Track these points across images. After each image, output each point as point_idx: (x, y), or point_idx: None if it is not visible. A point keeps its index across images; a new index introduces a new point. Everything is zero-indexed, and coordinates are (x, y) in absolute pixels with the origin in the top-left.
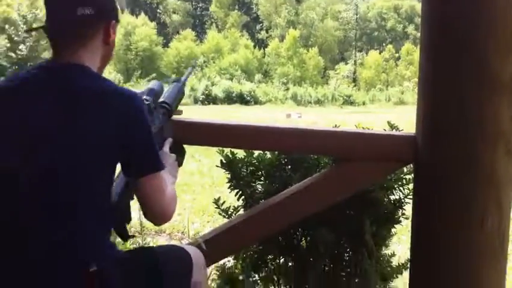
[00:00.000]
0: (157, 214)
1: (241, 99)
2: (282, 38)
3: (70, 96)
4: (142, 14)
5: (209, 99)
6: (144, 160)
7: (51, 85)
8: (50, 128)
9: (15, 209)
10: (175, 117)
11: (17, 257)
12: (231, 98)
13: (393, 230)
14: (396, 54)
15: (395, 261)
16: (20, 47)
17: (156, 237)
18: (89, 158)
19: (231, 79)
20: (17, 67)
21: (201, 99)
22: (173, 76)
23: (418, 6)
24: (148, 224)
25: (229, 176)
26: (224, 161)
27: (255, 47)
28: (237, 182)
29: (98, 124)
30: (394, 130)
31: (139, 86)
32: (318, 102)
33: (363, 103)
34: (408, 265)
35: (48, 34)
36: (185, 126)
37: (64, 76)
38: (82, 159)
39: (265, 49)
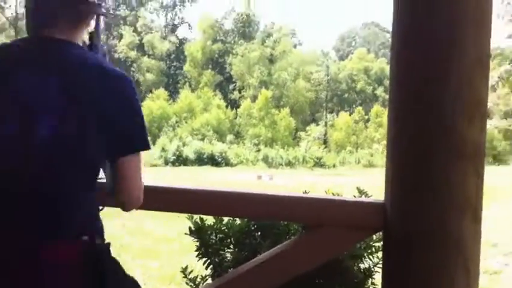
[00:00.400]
0: (134, 198)
1: (212, 161)
2: (254, 98)
3: (62, 67)
4: None
5: (180, 160)
6: (131, 137)
7: (42, 56)
8: (44, 98)
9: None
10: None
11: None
12: (202, 160)
13: None
14: (366, 116)
15: None
16: None
17: None
18: (82, 127)
19: (203, 139)
20: None
21: (171, 160)
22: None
23: (388, 69)
24: None
25: (197, 243)
26: (193, 228)
27: (227, 107)
28: (205, 250)
29: (90, 95)
30: (363, 196)
31: None
32: (289, 164)
33: (334, 165)
34: None
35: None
36: (152, 192)
37: (54, 48)
38: (76, 128)
39: (238, 109)
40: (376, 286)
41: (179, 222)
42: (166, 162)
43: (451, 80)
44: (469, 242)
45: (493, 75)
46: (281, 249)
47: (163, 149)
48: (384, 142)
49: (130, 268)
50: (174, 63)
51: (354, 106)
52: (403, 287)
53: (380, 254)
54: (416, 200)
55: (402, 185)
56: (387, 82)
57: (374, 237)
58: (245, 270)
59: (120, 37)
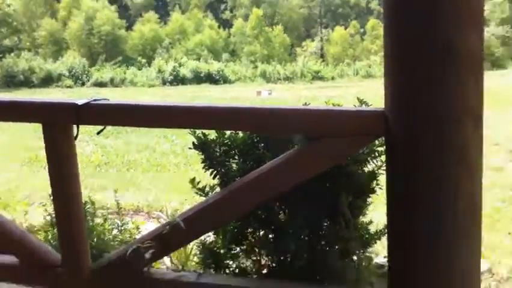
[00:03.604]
0: None
1: (210, 79)
2: (246, 18)
3: None
4: None
5: (177, 79)
6: None
7: None
8: None
9: None
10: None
11: None
12: (200, 78)
13: (369, 199)
14: (362, 30)
15: (373, 228)
16: None
17: (134, 217)
18: None
19: (198, 59)
20: None
21: (169, 80)
22: (139, 58)
23: None
24: (125, 204)
25: (202, 156)
26: (196, 143)
27: (219, 27)
28: (210, 162)
29: None
30: (364, 105)
31: (105, 70)
32: (288, 79)
33: (332, 78)
34: (386, 230)
35: None
36: (154, 110)
37: None
38: None
39: (230, 29)
40: (381, 186)
41: (182, 139)
42: (164, 83)
43: None
44: (471, 149)
45: None
46: (286, 157)
47: (159, 70)
48: (382, 53)
49: (142, 180)
50: None
51: (349, 20)
52: (406, 190)
53: (383, 158)
54: (416, 108)
55: (401, 95)
56: None
57: (376, 142)
58: (251, 179)
59: None
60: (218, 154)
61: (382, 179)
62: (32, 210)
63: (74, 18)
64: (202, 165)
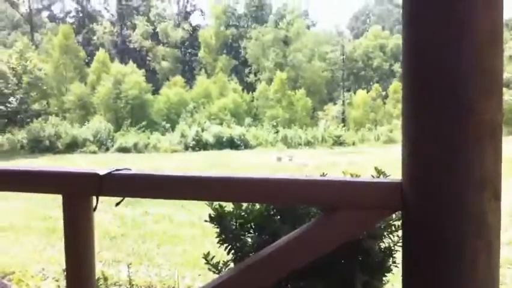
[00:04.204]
0: None
1: (232, 144)
2: (270, 81)
3: None
4: (131, 62)
5: (200, 145)
6: None
7: None
8: None
9: None
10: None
11: None
12: (221, 143)
13: (385, 278)
14: (384, 93)
15: None
16: (9, 100)
17: None
18: None
19: (221, 124)
20: (6, 120)
21: (191, 145)
22: (163, 123)
23: None
24: (138, 280)
25: (218, 230)
26: (212, 215)
27: (243, 90)
28: (226, 235)
29: None
30: (381, 176)
31: (130, 134)
32: (308, 143)
33: (353, 143)
34: None
35: None
36: (173, 181)
37: None
38: None
39: (254, 92)
40: (397, 265)
41: (200, 209)
42: (186, 148)
43: (464, 59)
44: (489, 219)
45: (511, 46)
46: (301, 232)
47: (182, 135)
48: None
49: (157, 253)
50: (189, 50)
51: (371, 83)
52: (424, 266)
53: (400, 233)
54: (433, 178)
55: (419, 163)
56: None
57: (394, 216)
58: (266, 254)
59: (134, 27)
60: (234, 227)
61: (399, 256)
62: (45, 286)
63: (103, 82)
64: (217, 239)
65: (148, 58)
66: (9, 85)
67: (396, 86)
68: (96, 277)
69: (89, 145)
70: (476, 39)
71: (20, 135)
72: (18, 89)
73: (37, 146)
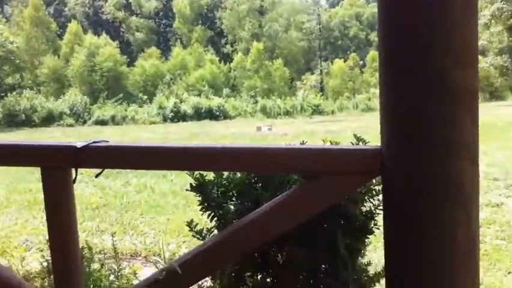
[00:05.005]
0: None
1: (211, 115)
2: (247, 51)
3: None
4: (104, 33)
5: (178, 116)
6: None
7: None
8: None
9: None
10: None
11: None
12: (200, 114)
13: (367, 240)
14: (361, 62)
15: (372, 270)
16: None
17: (132, 261)
18: None
19: (199, 95)
20: None
21: (170, 116)
22: (140, 95)
23: None
24: (123, 248)
25: (200, 198)
26: (194, 184)
27: (220, 61)
28: (208, 204)
29: None
30: (361, 143)
31: (107, 107)
32: (288, 113)
33: (332, 112)
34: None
35: None
36: (152, 151)
37: None
38: None
39: (231, 63)
40: (379, 227)
41: (182, 178)
42: (165, 119)
43: (438, 29)
44: (468, 185)
45: (486, 14)
46: (283, 198)
47: (160, 107)
48: None
49: (140, 222)
50: (164, 21)
51: (348, 53)
52: (404, 230)
53: (380, 197)
54: (411, 144)
55: (397, 131)
56: None
57: (374, 181)
58: (249, 220)
59: None
60: (215, 195)
61: (380, 218)
62: (30, 256)
63: (76, 55)
64: (200, 207)
65: (122, 29)
66: None
67: (374, 54)
68: (80, 246)
69: (65, 118)
70: (451, 8)
71: None
72: None
73: (13, 120)
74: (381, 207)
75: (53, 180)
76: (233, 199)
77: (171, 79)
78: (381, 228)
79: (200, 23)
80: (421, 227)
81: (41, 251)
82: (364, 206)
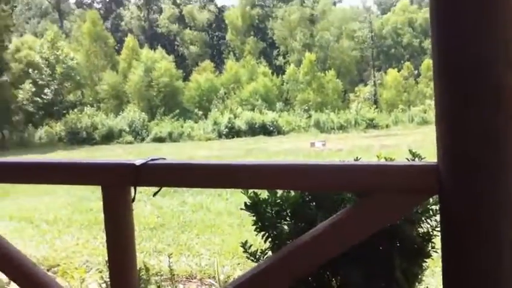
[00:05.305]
0: None
1: (264, 130)
2: (299, 63)
3: None
4: (160, 47)
5: (233, 132)
6: None
7: None
8: None
9: None
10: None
11: None
12: (254, 130)
13: (424, 264)
14: (415, 71)
15: None
16: (44, 91)
17: (187, 284)
18: None
19: (253, 109)
20: (43, 112)
21: (224, 132)
22: (196, 110)
23: None
24: (179, 270)
25: (254, 218)
26: (248, 203)
27: (273, 73)
28: (262, 224)
29: None
30: (417, 159)
31: (164, 123)
32: (341, 127)
33: (387, 126)
34: None
35: None
36: (207, 169)
37: None
38: None
39: (283, 75)
40: (436, 250)
41: (237, 197)
42: (220, 135)
43: (490, 33)
44: None
45: None
46: (337, 218)
47: (215, 122)
48: None
49: (196, 243)
50: (216, 33)
51: (402, 62)
52: (463, 250)
53: (438, 217)
54: (469, 160)
55: (455, 146)
56: None
57: (431, 200)
58: (303, 242)
59: (160, 11)
60: (270, 215)
61: (437, 241)
62: (89, 278)
63: (134, 70)
64: (254, 227)
65: (176, 43)
66: (43, 76)
67: (428, 63)
68: (138, 267)
69: (125, 135)
70: (505, 12)
71: (58, 127)
72: (52, 80)
73: (75, 138)
74: (438, 229)
75: (113, 198)
76: (287, 219)
77: (225, 93)
78: (439, 251)
79: (252, 34)
80: (480, 247)
81: (100, 272)
82: (421, 227)
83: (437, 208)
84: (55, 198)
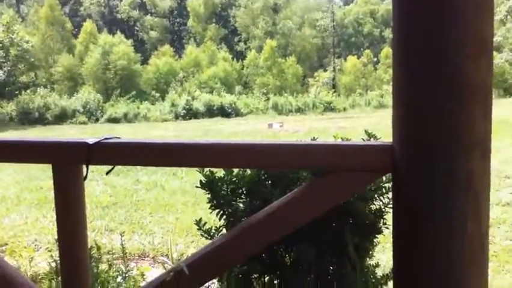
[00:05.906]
0: None
1: (222, 112)
2: (260, 49)
3: None
4: (119, 32)
5: (190, 113)
6: None
7: None
8: None
9: None
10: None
11: None
12: (212, 112)
13: (375, 240)
14: (375, 59)
15: (379, 272)
16: None
17: (140, 262)
18: None
19: (211, 92)
20: None
21: (182, 114)
22: (153, 92)
23: None
24: (131, 249)
25: (209, 196)
26: (203, 181)
27: (233, 59)
28: (217, 201)
29: None
30: (372, 139)
31: (120, 105)
32: (299, 110)
33: (344, 109)
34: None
35: None
36: (162, 148)
37: None
38: None
39: (244, 61)
40: (388, 226)
41: (192, 176)
42: (177, 117)
43: (452, 24)
44: (478, 179)
45: (502, 10)
46: (292, 196)
47: (173, 104)
48: None
49: (149, 222)
50: (178, 20)
51: (362, 49)
52: (413, 227)
53: (390, 195)
54: (423, 141)
55: (409, 127)
56: None
57: (384, 178)
58: (258, 219)
59: None
60: (225, 193)
61: (389, 217)
62: (38, 257)
63: (91, 53)
64: (209, 205)
65: (136, 28)
66: None
67: (387, 51)
68: (89, 246)
69: (78, 116)
70: (465, 4)
71: (9, 108)
72: (6, 62)
73: (26, 118)
74: (390, 206)
75: (64, 177)
76: (242, 197)
77: (184, 77)
78: (390, 227)
79: (214, 22)
80: (431, 223)
81: (50, 251)
82: (374, 204)
83: (390, 186)
84: (4, 176)
